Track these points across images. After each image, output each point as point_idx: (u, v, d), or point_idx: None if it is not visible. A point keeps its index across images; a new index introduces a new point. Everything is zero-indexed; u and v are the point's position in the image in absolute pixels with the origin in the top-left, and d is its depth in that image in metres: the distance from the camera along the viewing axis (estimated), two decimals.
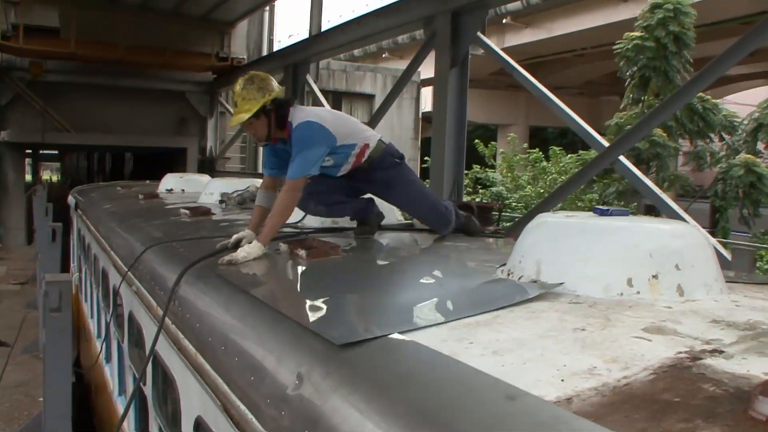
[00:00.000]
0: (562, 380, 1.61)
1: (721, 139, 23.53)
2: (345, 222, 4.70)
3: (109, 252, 5.56)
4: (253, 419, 2.07)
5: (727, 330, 2.05)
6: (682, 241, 2.60)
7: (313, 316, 2.44)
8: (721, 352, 1.81)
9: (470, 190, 25.69)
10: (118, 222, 6.12)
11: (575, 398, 1.50)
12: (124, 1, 18.80)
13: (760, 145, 22.93)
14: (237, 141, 22.76)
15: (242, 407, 2.18)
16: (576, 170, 20.49)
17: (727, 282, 2.72)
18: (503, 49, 10.42)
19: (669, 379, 1.62)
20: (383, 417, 1.55)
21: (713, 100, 22.28)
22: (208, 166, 22.00)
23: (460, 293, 2.75)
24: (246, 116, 3.89)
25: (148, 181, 12.06)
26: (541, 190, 23.80)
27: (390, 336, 2.01)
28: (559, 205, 10.87)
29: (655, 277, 2.47)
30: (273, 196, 4.15)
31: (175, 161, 22.67)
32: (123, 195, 9.46)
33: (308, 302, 2.69)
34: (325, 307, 2.56)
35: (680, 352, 1.81)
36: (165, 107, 22.71)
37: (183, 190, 9.38)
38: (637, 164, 12.54)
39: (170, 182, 9.76)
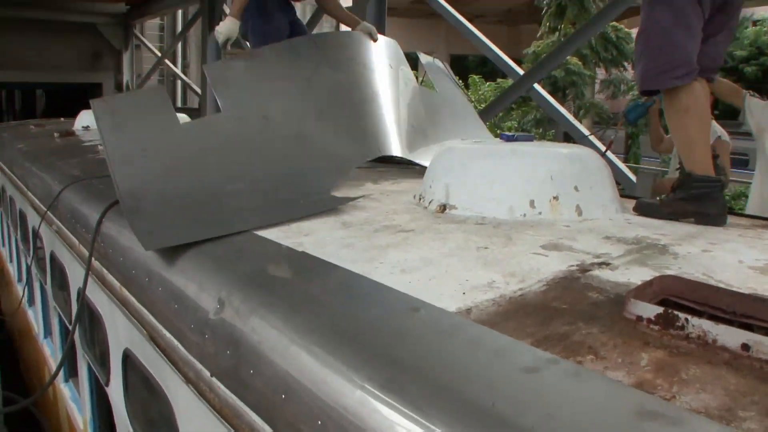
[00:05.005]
0: (464, 293, 1.75)
1: (634, 67, 24.10)
2: None
3: (26, 193, 5.45)
4: (179, 345, 2.15)
5: (617, 245, 2.23)
6: (580, 164, 2.77)
7: (140, 219, 2.60)
8: (608, 264, 1.99)
9: None
10: (33, 161, 5.97)
11: (474, 308, 1.64)
12: None
13: None
14: (154, 75, 22.07)
15: (168, 335, 2.25)
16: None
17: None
18: None
19: (559, 289, 1.78)
20: (299, 333, 1.66)
21: (626, 30, 22.75)
22: None
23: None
24: None
25: (62, 119, 11.61)
26: None
27: (308, 257, 2.12)
28: None
29: (555, 198, 2.64)
30: None
31: (90, 98, 21.59)
32: (37, 133, 9.12)
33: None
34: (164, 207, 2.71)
35: (572, 266, 1.98)
36: (77, 41, 21.59)
37: None
38: (553, 92, 12.83)
39: (86, 119, 9.24)
